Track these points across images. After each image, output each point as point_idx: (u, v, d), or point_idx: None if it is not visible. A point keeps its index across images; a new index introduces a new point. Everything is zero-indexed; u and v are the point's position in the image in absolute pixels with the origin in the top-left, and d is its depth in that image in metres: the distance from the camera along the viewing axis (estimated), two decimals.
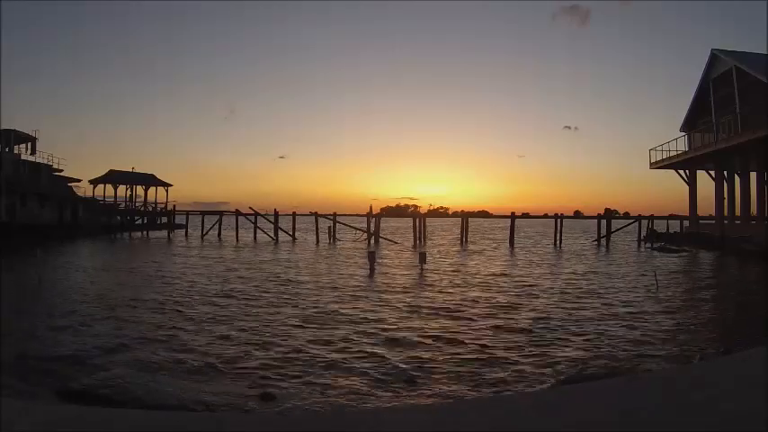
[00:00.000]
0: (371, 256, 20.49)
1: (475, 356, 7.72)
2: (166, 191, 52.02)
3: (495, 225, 79.00)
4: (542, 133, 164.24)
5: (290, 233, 40.78)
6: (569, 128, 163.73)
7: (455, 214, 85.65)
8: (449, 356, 7.71)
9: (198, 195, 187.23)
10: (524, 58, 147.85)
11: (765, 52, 28.24)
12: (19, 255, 23.13)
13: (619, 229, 40.37)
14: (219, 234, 42.40)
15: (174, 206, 51.77)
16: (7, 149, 35.93)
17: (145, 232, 46.81)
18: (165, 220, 51.00)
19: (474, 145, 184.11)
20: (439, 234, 53.22)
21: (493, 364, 7.31)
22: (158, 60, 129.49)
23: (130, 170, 50.52)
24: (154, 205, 52.10)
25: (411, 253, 29.09)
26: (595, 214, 40.14)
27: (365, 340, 8.70)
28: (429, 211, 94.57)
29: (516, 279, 17.72)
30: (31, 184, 36.98)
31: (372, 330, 9.45)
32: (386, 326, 9.88)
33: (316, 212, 41.77)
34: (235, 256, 27.29)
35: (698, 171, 35.66)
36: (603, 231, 37.77)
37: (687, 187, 36.13)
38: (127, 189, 49.91)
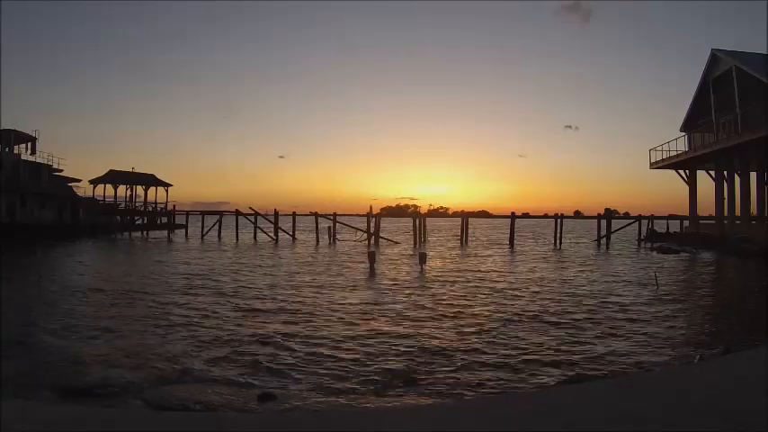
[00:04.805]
0: (371, 256, 20.49)
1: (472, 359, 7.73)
2: (166, 191, 51.98)
3: (495, 225, 78.97)
4: (543, 133, 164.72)
5: (290, 233, 40.77)
6: (570, 127, 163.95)
7: (455, 214, 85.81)
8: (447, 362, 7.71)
9: (198, 195, 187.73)
10: (525, 57, 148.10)
11: (765, 52, 28.29)
12: (19, 255, 23.14)
13: (619, 229, 40.28)
14: (219, 234, 42.38)
15: (174, 206, 51.82)
16: (7, 149, 35.91)
17: (145, 232, 46.75)
18: (165, 220, 50.96)
19: (474, 145, 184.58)
20: (439, 234, 53.19)
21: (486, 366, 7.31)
22: (158, 60, 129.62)
23: (130, 170, 50.49)
24: (154, 205, 52.03)
25: (411, 253, 29.08)
26: (595, 214, 40.17)
27: (365, 340, 8.71)
28: (429, 211, 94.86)
29: (515, 282, 17.73)
30: (31, 184, 36.96)
31: (372, 331, 9.46)
32: (387, 328, 9.88)
33: (316, 212, 41.78)
34: (237, 255, 27.30)
35: (698, 171, 35.64)
36: (603, 231, 37.73)
37: (687, 187, 36.12)
38: (127, 189, 49.86)
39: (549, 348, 8.23)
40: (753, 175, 31.57)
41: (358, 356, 7.66)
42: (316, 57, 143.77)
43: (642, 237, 38.50)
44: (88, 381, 6.21)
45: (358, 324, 10.00)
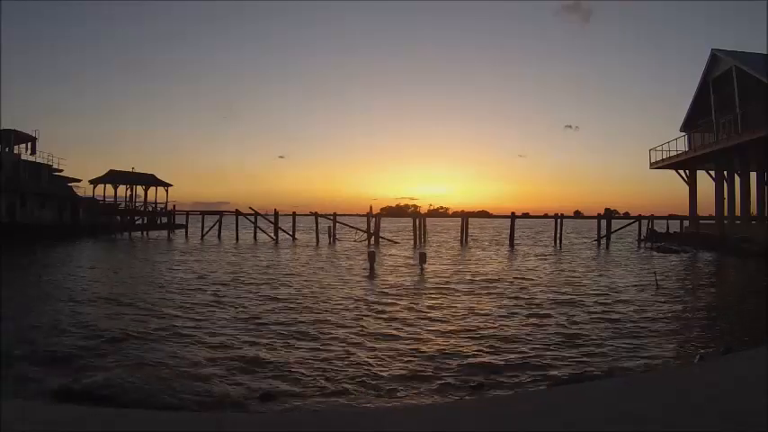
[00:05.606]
0: (371, 256, 20.47)
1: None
2: (166, 191, 51.98)
3: (495, 225, 78.93)
4: (543, 133, 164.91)
5: (290, 233, 40.76)
6: (570, 127, 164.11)
7: (455, 214, 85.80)
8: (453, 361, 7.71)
9: (198, 195, 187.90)
10: (525, 56, 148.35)
11: (765, 52, 28.28)
12: (19, 255, 23.13)
13: (619, 229, 40.26)
14: (219, 234, 42.37)
15: (174, 206, 51.82)
16: (7, 149, 35.90)
17: (145, 232, 46.76)
18: (165, 220, 50.95)
19: (474, 145, 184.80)
20: (439, 234, 53.17)
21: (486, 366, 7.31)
22: (158, 60, 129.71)
23: (130, 170, 50.48)
24: (154, 205, 52.03)
25: (411, 253, 29.07)
26: (595, 214, 40.10)
27: (364, 340, 8.71)
28: (429, 211, 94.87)
29: (515, 282, 17.73)
30: (31, 184, 36.96)
31: (370, 331, 9.45)
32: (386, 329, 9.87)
33: (316, 212, 41.78)
34: (238, 256, 27.29)
35: (698, 171, 35.63)
36: (603, 231, 37.68)
37: (687, 187, 36.11)
38: (127, 189, 49.86)
39: (548, 349, 8.22)
40: (753, 175, 31.56)
41: (358, 357, 7.67)
42: (316, 57, 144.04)
43: (642, 237, 38.49)
44: (88, 382, 6.20)
45: (357, 325, 10.01)
